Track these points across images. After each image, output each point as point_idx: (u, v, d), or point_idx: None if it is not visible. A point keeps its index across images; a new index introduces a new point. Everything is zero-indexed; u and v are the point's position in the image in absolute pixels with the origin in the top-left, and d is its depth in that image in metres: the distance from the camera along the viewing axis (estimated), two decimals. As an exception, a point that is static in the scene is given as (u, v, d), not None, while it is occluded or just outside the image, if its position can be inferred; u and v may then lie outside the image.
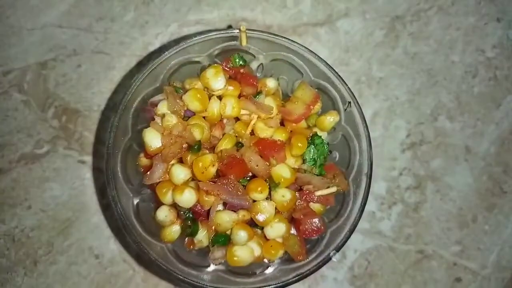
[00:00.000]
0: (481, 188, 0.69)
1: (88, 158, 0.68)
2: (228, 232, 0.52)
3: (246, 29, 0.55)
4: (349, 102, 0.54)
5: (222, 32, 0.54)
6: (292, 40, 0.55)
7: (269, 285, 0.49)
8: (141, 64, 0.71)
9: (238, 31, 0.54)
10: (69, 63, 0.70)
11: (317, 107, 0.56)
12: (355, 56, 0.72)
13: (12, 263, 0.64)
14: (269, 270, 0.53)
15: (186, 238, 0.54)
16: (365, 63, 0.72)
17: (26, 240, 0.65)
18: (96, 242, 0.65)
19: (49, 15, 0.72)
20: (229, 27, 0.56)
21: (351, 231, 0.49)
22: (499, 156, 0.70)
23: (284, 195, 0.52)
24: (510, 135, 0.71)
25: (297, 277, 0.49)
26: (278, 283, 0.49)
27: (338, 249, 0.48)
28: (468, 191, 0.69)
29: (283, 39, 0.54)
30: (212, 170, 0.51)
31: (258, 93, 0.57)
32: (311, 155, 0.54)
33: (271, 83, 0.58)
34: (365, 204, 0.50)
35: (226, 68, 0.57)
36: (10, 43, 0.70)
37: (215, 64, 0.57)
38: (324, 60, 0.54)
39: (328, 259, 0.48)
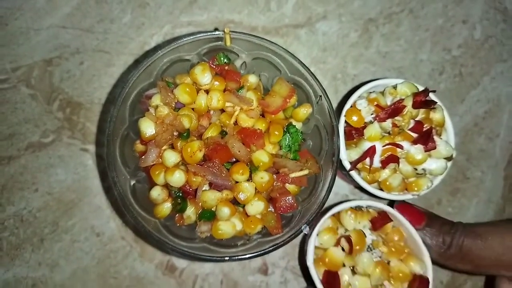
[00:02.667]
0: (446, 174, 0.73)
1: (90, 147, 0.70)
2: (213, 209, 0.55)
3: (230, 31, 0.56)
4: (320, 96, 0.56)
5: (209, 33, 0.56)
6: (271, 41, 0.56)
7: (249, 254, 0.51)
8: (138, 62, 0.72)
9: (223, 33, 0.56)
10: (72, 61, 0.72)
11: (293, 100, 0.59)
12: (332, 55, 0.75)
13: (20, 240, 0.67)
14: (249, 242, 0.56)
15: (177, 214, 0.57)
16: (341, 61, 0.75)
17: (33, 220, 0.67)
18: (97, 222, 0.68)
19: (54, 17, 0.73)
20: (216, 29, 0.59)
21: (320, 208, 0.52)
22: (463, 146, 0.75)
23: (262, 177, 0.54)
24: (473, 127, 0.75)
25: (273, 247, 0.51)
26: (257, 252, 0.51)
27: (308, 223, 0.52)
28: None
29: (263, 40, 0.56)
30: (199, 155, 0.54)
31: (241, 87, 0.59)
32: (287, 142, 0.57)
33: (252, 79, 0.60)
34: (332, 185, 0.52)
35: (213, 66, 0.59)
36: (18, 42, 0.71)
37: (203, 62, 0.59)
38: (299, 59, 0.56)
39: (299, 232, 0.52)
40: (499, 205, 0.74)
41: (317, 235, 0.56)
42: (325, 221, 0.57)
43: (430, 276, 0.54)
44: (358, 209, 0.58)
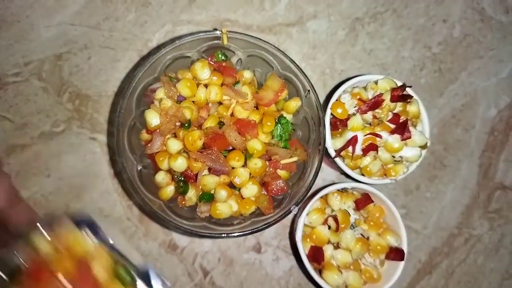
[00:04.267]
0: (424, 162, 0.74)
1: (98, 135, 0.73)
2: (212, 192, 0.59)
3: (227, 31, 0.59)
4: (309, 91, 0.60)
5: (208, 33, 0.59)
6: (264, 40, 0.59)
7: (244, 231, 0.56)
8: (141, 57, 0.75)
9: (220, 32, 0.59)
10: (81, 56, 0.75)
11: (284, 94, 0.62)
12: (321, 52, 0.79)
13: None
14: (244, 221, 0.60)
15: (179, 196, 0.60)
16: (329, 57, 0.79)
17: (46, 203, 0.71)
18: (105, 205, 0.71)
19: (63, 15, 0.76)
20: (215, 29, 0.62)
21: (308, 191, 0.56)
22: (441, 136, 0.79)
23: (256, 163, 0.58)
24: (451, 119, 0.80)
25: (265, 225, 0.56)
26: (251, 230, 0.56)
27: (297, 204, 0.56)
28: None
29: (257, 39, 0.59)
30: (200, 143, 0.57)
31: (237, 82, 0.63)
32: (278, 132, 0.61)
33: (247, 75, 0.63)
34: (319, 170, 0.57)
35: (211, 62, 0.62)
36: (30, 38, 0.75)
37: (202, 59, 0.62)
38: (289, 57, 0.59)
39: (289, 212, 0.56)
40: (474, 191, 0.79)
41: (307, 215, 0.62)
42: (314, 202, 0.63)
43: (404, 247, 0.61)
44: (343, 191, 0.64)
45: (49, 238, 0.47)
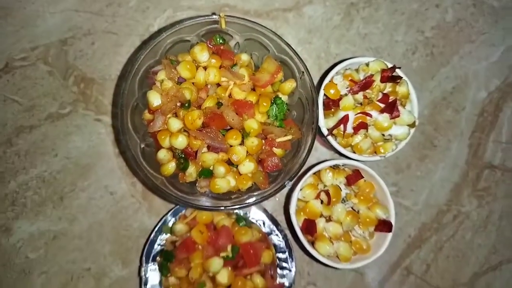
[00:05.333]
0: (414, 142, 0.81)
1: (103, 117, 0.76)
2: (211, 168, 0.61)
3: (225, 15, 0.60)
4: (303, 72, 0.61)
5: (206, 17, 0.61)
6: (261, 25, 0.61)
7: (241, 205, 0.59)
8: (143, 42, 0.78)
9: (219, 17, 0.60)
10: (85, 41, 0.77)
11: (280, 76, 0.64)
12: (317, 36, 0.82)
13: (43, 198, 0.74)
14: (241, 196, 0.62)
15: (180, 173, 0.62)
16: (325, 42, 0.82)
17: (54, 181, 0.74)
18: (110, 182, 0.75)
19: (67, 1, 0.79)
20: (213, 14, 0.64)
21: (301, 167, 0.59)
22: (431, 117, 0.82)
23: (253, 141, 0.60)
24: (442, 101, 0.83)
25: (261, 199, 0.59)
26: (247, 203, 0.59)
27: (291, 180, 0.59)
28: (404, 145, 0.76)
29: (254, 24, 0.61)
30: (199, 122, 0.59)
31: (234, 65, 0.64)
32: (274, 112, 0.63)
33: (244, 57, 0.65)
34: (311, 148, 0.59)
35: (210, 46, 0.63)
36: (36, 24, 0.77)
37: (201, 42, 0.63)
38: (285, 40, 0.61)
39: (283, 187, 0.58)
40: (463, 170, 0.82)
41: (300, 190, 0.66)
42: (308, 178, 0.67)
43: (392, 220, 0.64)
44: (335, 167, 0.68)
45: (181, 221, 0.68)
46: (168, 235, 0.68)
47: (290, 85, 0.64)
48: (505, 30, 0.87)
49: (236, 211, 0.69)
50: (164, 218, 0.69)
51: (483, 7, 0.87)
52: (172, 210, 0.69)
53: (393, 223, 0.64)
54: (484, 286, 0.81)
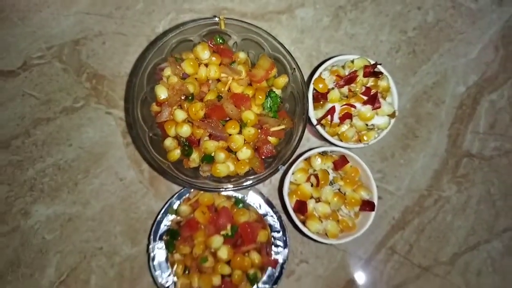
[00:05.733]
0: (398, 133, 0.87)
1: (113, 110, 0.81)
2: (212, 154, 0.65)
3: (224, 17, 0.65)
4: (294, 69, 0.66)
5: (207, 19, 0.65)
6: (256, 26, 0.65)
7: (239, 185, 0.64)
8: (151, 42, 0.82)
9: (218, 19, 0.65)
10: (96, 41, 0.82)
11: (273, 72, 0.68)
12: (308, 37, 0.87)
13: (59, 184, 0.79)
14: (240, 179, 0.67)
15: (184, 159, 0.66)
16: (315, 41, 0.87)
17: (69, 169, 0.79)
18: (120, 169, 0.80)
19: (80, 5, 0.83)
20: (214, 16, 0.68)
21: (293, 153, 0.64)
22: (413, 110, 0.88)
23: (250, 130, 0.64)
24: (423, 95, 0.88)
25: (257, 181, 0.64)
26: (245, 185, 0.65)
27: (283, 164, 0.64)
28: (388, 135, 0.78)
29: (250, 25, 0.65)
30: (201, 113, 0.63)
31: (233, 62, 0.68)
32: (268, 104, 0.68)
33: (242, 55, 0.69)
34: (302, 136, 0.64)
35: (211, 45, 0.67)
36: (51, 26, 0.82)
37: (203, 42, 0.67)
38: (278, 40, 0.66)
39: (277, 170, 0.64)
40: (443, 158, 0.88)
41: (293, 174, 0.73)
42: (299, 163, 0.74)
43: (375, 200, 0.72)
44: (324, 154, 0.75)
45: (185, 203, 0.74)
46: (174, 216, 0.75)
47: (283, 80, 0.69)
48: (481, 30, 0.92)
49: (235, 194, 0.76)
50: (170, 201, 0.75)
51: (462, 9, 0.93)
52: (177, 194, 0.76)
53: (375, 203, 0.72)
54: (463, 265, 0.86)
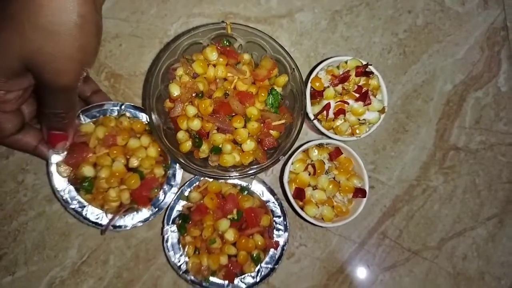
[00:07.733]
0: (389, 128, 0.93)
1: None
2: (220, 146, 0.69)
3: (231, 22, 0.69)
4: (293, 69, 0.70)
5: (216, 24, 0.70)
6: (259, 30, 0.70)
7: (244, 174, 0.70)
8: (165, 45, 0.87)
9: (225, 24, 0.69)
10: (113, 43, 0.86)
11: (275, 71, 0.72)
12: (307, 39, 0.92)
13: None
14: (245, 168, 0.71)
15: (195, 150, 0.70)
16: (313, 43, 0.92)
17: None
18: None
19: None
20: (222, 21, 0.72)
21: (292, 145, 0.69)
22: (404, 107, 0.93)
23: (253, 125, 0.69)
24: (413, 93, 0.94)
25: (260, 170, 0.70)
26: (249, 173, 0.70)
27: (284, 155, 0.69)
28: (380, 130, 0.88)
29: (254, 29, 0.70)
30: (210, 109, 0.67)
31: (238, 63, 0.71)
32: (270, 101, 0.71)
33: (246, 56, 0.72)
34: (300, 130, 0.69)
35: (218, 47, 0.70)
36: None
37: (212, 44, 0.70)
38: (279, 43, 0.70)
39: (278, 160, 0.69)
40: (431, 151, 0.94)
41: (292, 164, 0.81)
42: (298, 154, 0.81)
43: (366, 188, 0.79)
44: (320, 146, 0.82)
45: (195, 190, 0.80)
46: (185, 202, 0.82)
47: (283, 79, 0.73)
48: (468, 32, 0.99)
49: (240, 182, 0.83)
50: (181, 188, 0.82)
51: (450, 13, 0.99)
52: (188, 182, 0.83)
53: (367, 190, 0.79)
54: (450, 249, 0.92)
